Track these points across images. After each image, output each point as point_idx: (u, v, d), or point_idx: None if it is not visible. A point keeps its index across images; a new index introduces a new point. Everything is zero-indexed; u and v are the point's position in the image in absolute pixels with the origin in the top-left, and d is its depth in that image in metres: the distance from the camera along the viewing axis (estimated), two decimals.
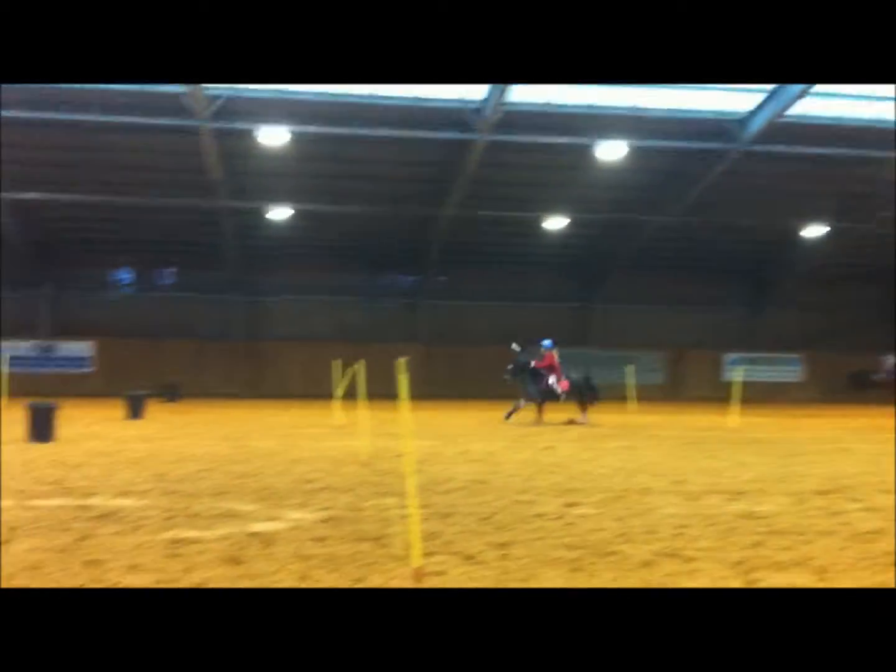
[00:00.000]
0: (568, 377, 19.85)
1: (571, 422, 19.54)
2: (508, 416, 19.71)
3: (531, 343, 21.37)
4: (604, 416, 21.56)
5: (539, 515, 7.18)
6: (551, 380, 19.62)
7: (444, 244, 32.23)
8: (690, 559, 5.60)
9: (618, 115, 24.11)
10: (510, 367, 20.11)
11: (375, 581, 5.03)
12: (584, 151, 25.41)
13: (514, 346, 20.55)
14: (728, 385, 23.74)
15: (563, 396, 19.79)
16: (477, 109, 23.45)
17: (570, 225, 30.91)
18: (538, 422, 19.33)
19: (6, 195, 26.99)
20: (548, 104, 23.69)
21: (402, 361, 5.59)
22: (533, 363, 19.94)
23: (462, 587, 4.86)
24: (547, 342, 20.30)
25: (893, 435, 14.71)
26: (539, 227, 31.18)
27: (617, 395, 30.95)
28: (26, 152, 25.95)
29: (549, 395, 19.70)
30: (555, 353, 20.07)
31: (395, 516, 7.09)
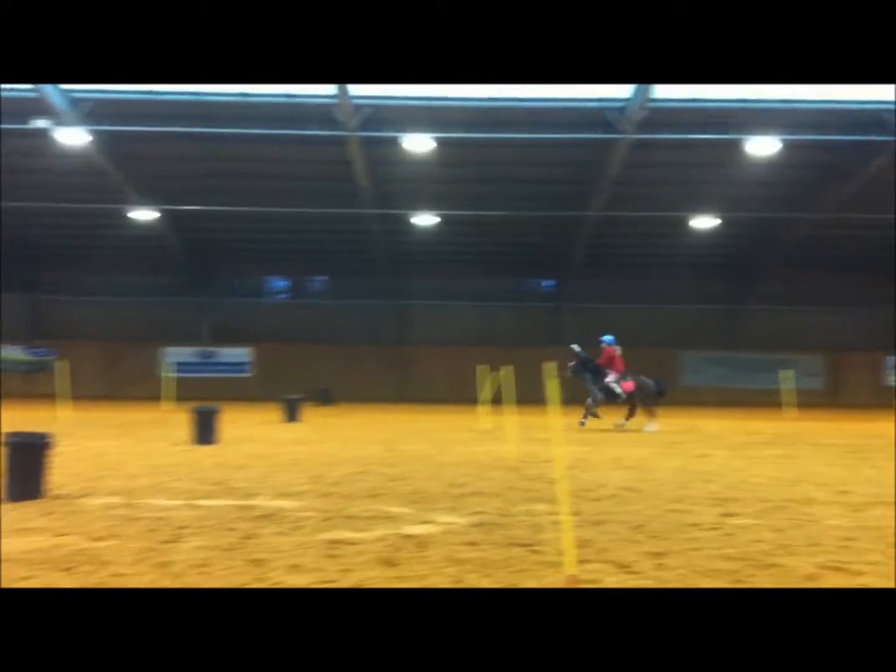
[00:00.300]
0: (635, 378, 18.54)
1: (586, 418, 18.32)
2: (583, 421, 18.39)
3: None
4: (759, 424, 20.82)
5: (694, 525, 7.00)
6: (609, 378, 18.43)
7: (588, 246, 31.94)
8: (858, 573, 5.33)
9: (769, 108, 23.25)
10: (572, 363, 18.65)
11: (529, 586, 5.04)
12: (734, 147, 24.60)
13: (575, 347, 19.22)
14: (891, 390, 22.49)
15: (624, 397, 18.40)
16: (621, 108, 23.13)
17: (719, 224, 30.00)
18: (586, 417, 18.30)
19: (167, 208, 28.50)
20: (695, 100, 23.09)
21: (550, 366, 5.57)
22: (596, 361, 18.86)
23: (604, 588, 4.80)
24: (608, 338, 19.01)
25: None
26: (686, 227, 30.42)
27: (771, 401, 29.91)
28: (184, 165, 27.38)
29: (609, 395, 18.44)
30: (615, 349, 18.77)
31: (547, 522, 7.07)
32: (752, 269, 34.60)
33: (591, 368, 18.61)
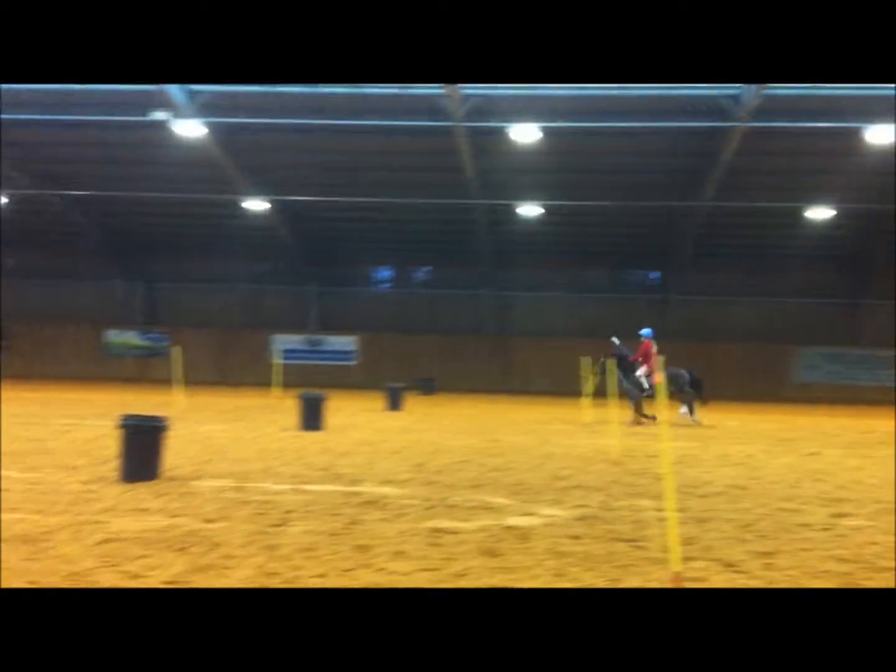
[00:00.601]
0: (668, 370, 16.88)
1: (637, 422, 17.34)
2: (637, 422, 17.45)
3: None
4: (875, 422, 20.06)
5: (805, 525, 6.80)
6: (639, 371, 17.74)
7: (697, 237, 31.19)
8: None
9: (887, 96, 22.23)
10: (601, 359, 17.78)
11: (633, 583, 4.99)
12: (851, 136, 23.60)
13: (615, 339, 18.75)
14: None
15: (651, 391, 16.86)
16: (735, 96, 22.49)
17: (835, 215, 28.87)
18: (636, 421, 17.39)
19: (278, 198, 29.18)
20: (813, 86, 22.25)
21: (660, 359, 5.48)
22: (631, 356, 18.25)
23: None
24: (646, 330, 18.52)
25: None
26: (801, 218, 29.37)
27: (889, 399, 28.76)
28: (295, 157, 27.93)
29: (640, 389, 17.69)
30: (652, 343, 18.16)
31: (651, 518, 6.98)
32: (871, 263, 33.19)
33: (624, 365, 17.79)
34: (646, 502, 7.74)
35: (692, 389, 18.13)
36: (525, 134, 23.68)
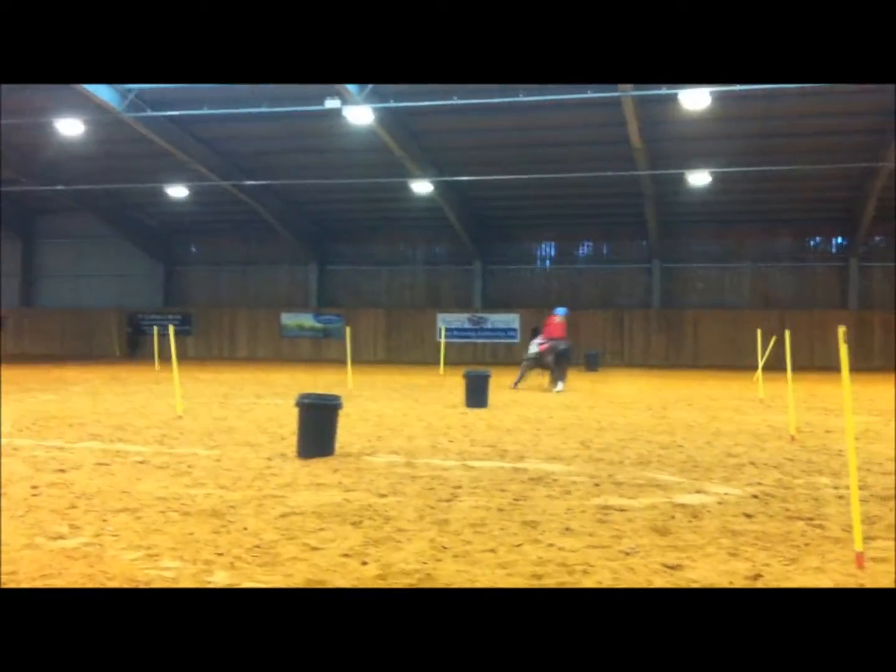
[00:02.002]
0: (550, 342, 19.14)
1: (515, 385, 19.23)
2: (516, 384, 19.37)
3: None
4: None
5: None
6: (534, 340, 19.77)
7: (881, 200, 29.33)
8: None
9: None
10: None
11: (812, 563, 4.82)
12: None
13: (560, 310, 20.78)
14: None
15: (534, 359, 19.32)
16: None
17: None
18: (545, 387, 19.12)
19: (444, 179, 29.56)
20: None
21: (842, 330, 5.23)
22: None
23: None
24: (559, 309, 20.67)
25: None
26: None
27: None
28: (459, 137, 28.19)
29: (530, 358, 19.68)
30: (556, 318, 19.96)
31: (829, 496, 6.71)
32: None
33: (534, 337, 20.17)
34: (824, 479, 7.44)
35: (557, 361, 19.03)
36: (696, 99, 22.85)
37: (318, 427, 8.66)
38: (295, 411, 8.89)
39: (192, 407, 13.60)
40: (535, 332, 20.83)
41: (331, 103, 23.37)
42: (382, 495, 6.74)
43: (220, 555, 5.00)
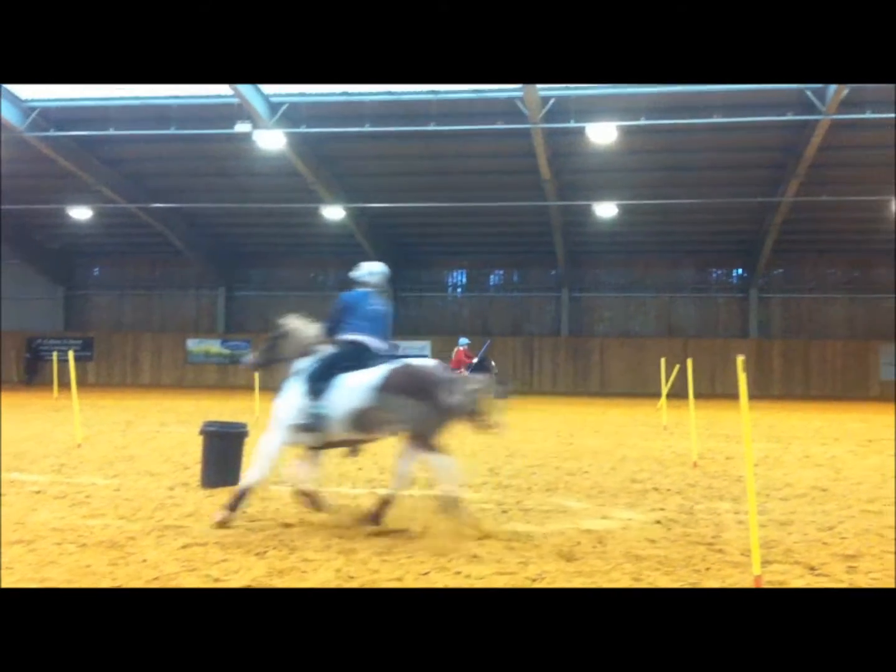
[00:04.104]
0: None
1: None
2: None
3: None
4: None
5: (890, 527, 6.60)
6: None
7: (780, 233, 30.45)
8: None
9: None
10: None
11: (712, 586, 4.91)
12: None
13: (462, 340, 23.38)
14: None
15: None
16: (820, 89, 21.95)
17: None
18: None
19: (357, 206, 29.53)
20: None
21: (741, 359, 5.38)
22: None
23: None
24: (462, 340, 23.26)
25: None
26: (889, 211, 28.37)
27: None
28: (372, 163, 28.26)
29: None
30: (461, 349, 22.61)
31: (730, 521, 6.87)
32: None
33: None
34: (725, 505, 7.62)
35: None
36: (603, 133, 23.43)
37: (222, 455, 8.47)
38: (199, 439, 8.68)
39: (93, 435, 13.17)
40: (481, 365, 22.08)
41: (241, 127, 23.16)
42: (288, 525, 6.62)
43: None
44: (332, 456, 11.02)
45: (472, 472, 9.72)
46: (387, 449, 11.88)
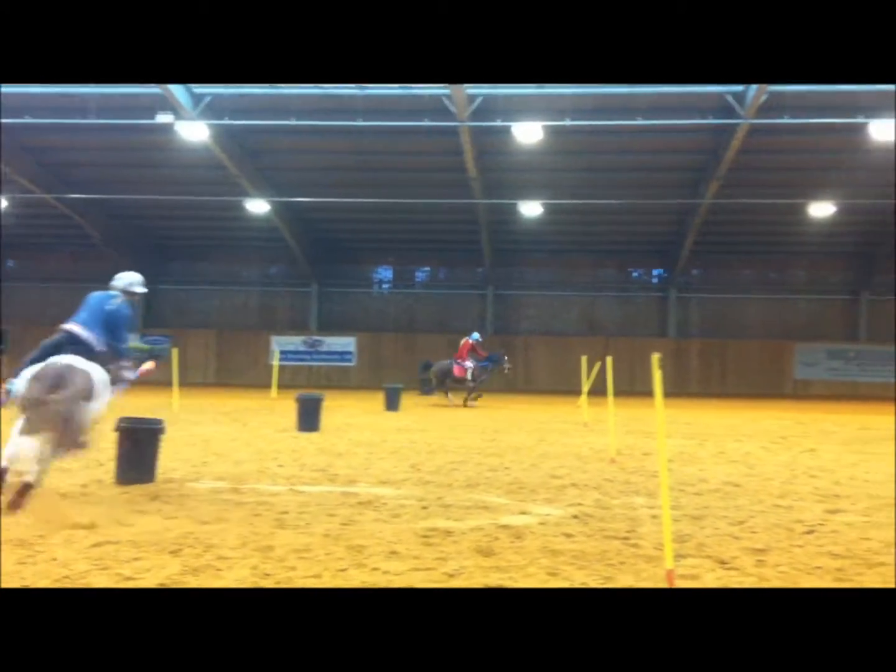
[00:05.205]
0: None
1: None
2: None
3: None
4: (874, 418, 20.07)
5: (799, 521, 6.81)
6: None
7: (700, 234, 31.17)
8: None
9: (892, 90, 22.22)
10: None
11: (625, 581, 5.00)
12: (856, 131, 23.58)
13: (475, 335, 24.00)
14: None
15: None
16: (740, 93, 22.53)
17: (839, 211, 28.76)
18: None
19: (281, 200, 29.24)
20: (817, 83, 22.26)
21: (656, 357, 5.47)
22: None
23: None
24: (473, 334, 23.99)
25: None
26: (805, 215, 29.29)
27: (889, 396, 28.77)
28: (297, 158, 28.02)
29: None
30: (469, 340, 23.38)
31: (645, 516, 6.99)
32: (873, 259, 33.20)
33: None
34: (640, 500, 7.76)
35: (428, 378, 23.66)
36: (529, 133, 23.66)
37: (138, 452, 8.30)
38: (114, 436, 8.48)
39: (3, 431, 12.76)
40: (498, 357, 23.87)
41: (162, 118, 22.72)
42: (205, 522, 6.51)
43: (28, 584, 4.69)
44: (251, 452, 10.93)
45: (395, 468, 9.73)
46: (308, 446, 11.84)
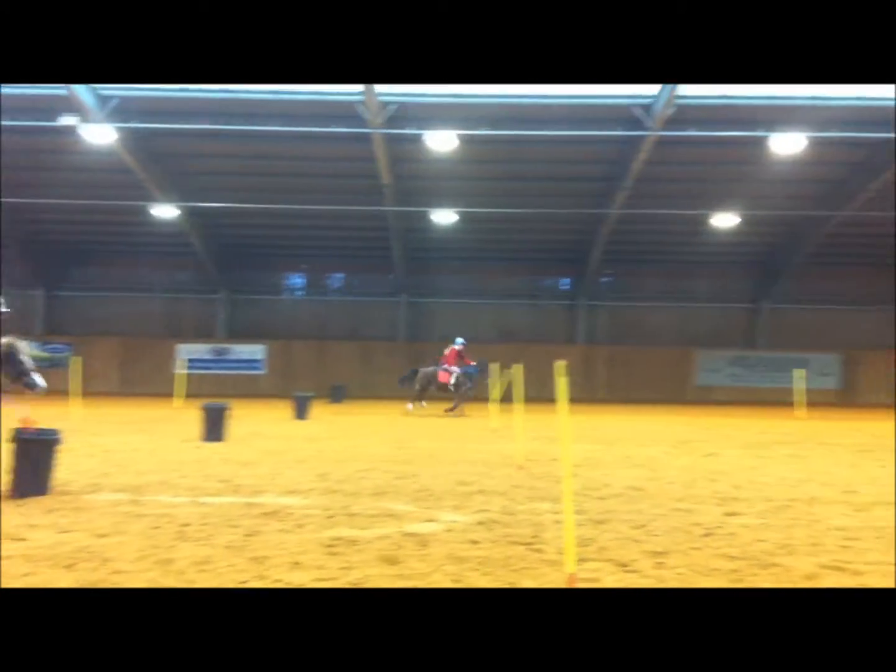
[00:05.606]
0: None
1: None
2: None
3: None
4: (771, 423, 20.75)
5: (697, 524, 6.98)
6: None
7: (608, 244, 31.77)
8: (858, 573, 5.31)
9: (795, 105, 23.08)
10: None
11: (528, 585, 5.04)
12: (759, 145, 24.38)
13: (459, 339, 23.69)
14: None
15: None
16: (648, 105, 23.05)
17: (741, 222, 29.67)
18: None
19: (189, 205, 28.68)
20: (721, 97, 22.97)
21: (560, 364, 5.53)
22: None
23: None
24: (458, 339, 23.50)
25: None
26: (708, 225, 30.13)
27: (786, 401, 29.78)
28: (207, 162, 27.56)
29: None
30: (455, 347, 23.07)
31: (549, 521, 7.07)
32: (773, 268, 34.35)
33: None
34: (546, 505, 7.84)
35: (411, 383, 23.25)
36: (442, 141, 23.77)
37: (32, 464, 8.01)
38: (8, 447, 8.17)
39: None
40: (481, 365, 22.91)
41: (66, 120, 22.07)
42: (102, 536, 6.32)
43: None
44: (154, 463, 10.66)
45: (302, 477, 9.62)
46: (213, 457, 11.62)
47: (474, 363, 23.02)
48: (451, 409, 22.40)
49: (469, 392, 22.72)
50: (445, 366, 22.68)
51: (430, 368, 23.23)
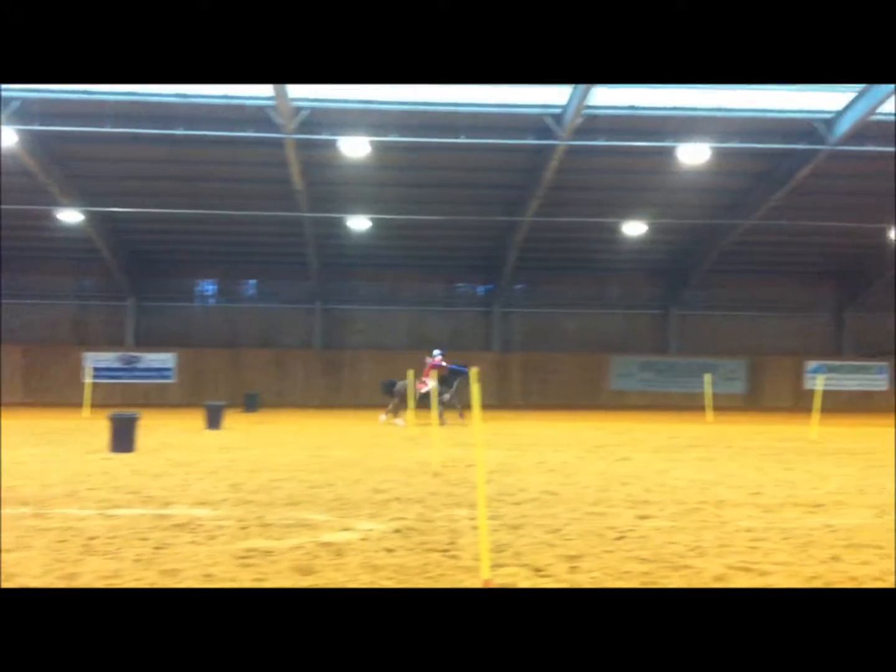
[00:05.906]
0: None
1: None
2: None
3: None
4: (682, 427, 21.24)
5: (611, 528, 7.09)
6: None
7: (521, 251, 32.11)
8: (765, 573, 5.46)
9: (702, 116, 23.73)
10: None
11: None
12: (666, 154, 24.99)
13: (436, 351, 23.04)
14: (810, 394, 23.08)
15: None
16: (558, 115, 23.38)
17: (650, 230, 30.37)
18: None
19: (95, 210, 27.93)
20: (631, 107, 23.46)
21: (474, 371, 5.56)
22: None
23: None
24: (435, 351, 23.01)
25: None
26: (618, 233, 30.74)
27: (696, 405, 30.54)
28: (114, 166, 26.86)
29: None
30: (431, 362, 22.37)
31: (465, 527, 7.09)
32: (682, 275, 35.23)
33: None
34: (462, 511, 7.86)
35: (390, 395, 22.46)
36: (355, 147, 23.70)
37: None
38: None
39: None
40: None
41: None
42: (5, 551, 6.09)
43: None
44: (60, 475, 10.33)
45: (214, 488, 9.45)
46: (121, 468, 11.32)
47: (452, 367, 22.39)
48: (441, 420, 21.11)
49: (449, 400, 21.96)
50: (424, 379, 21.96)
51: (405, 381, 22.40)
